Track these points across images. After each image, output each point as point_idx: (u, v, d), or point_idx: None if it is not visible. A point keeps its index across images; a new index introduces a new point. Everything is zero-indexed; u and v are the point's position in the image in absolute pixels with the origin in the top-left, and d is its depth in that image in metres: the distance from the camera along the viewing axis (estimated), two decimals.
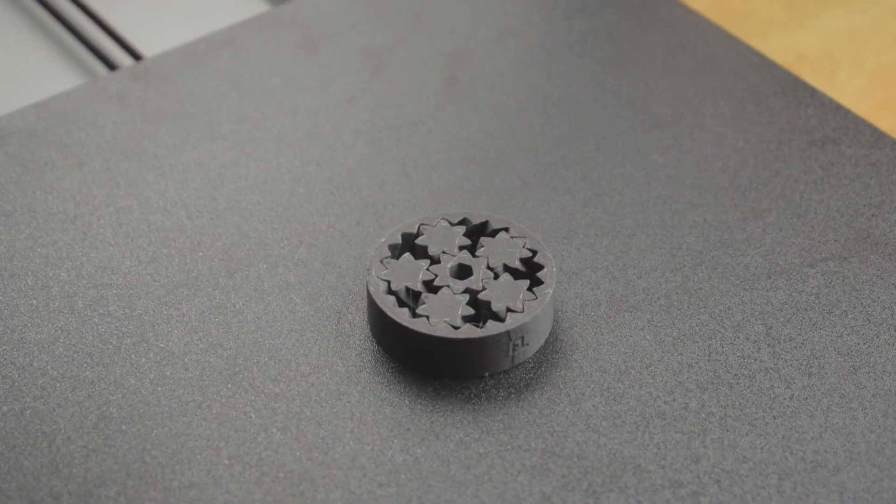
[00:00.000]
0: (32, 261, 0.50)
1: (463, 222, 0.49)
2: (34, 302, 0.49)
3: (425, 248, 0.48)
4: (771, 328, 0.48)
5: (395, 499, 0.43)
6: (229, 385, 0.46)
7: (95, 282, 0.50)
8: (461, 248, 0.48)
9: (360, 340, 0.48)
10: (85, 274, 0.50)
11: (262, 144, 0.56)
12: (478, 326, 0.46)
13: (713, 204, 0.52)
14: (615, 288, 0.49)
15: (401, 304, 0.47)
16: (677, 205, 0.52)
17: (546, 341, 0.47)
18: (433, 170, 0.54)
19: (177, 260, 0.51)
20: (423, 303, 0.46)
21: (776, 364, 0.46)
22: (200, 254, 0.51)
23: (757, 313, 0.48)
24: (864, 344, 0.47)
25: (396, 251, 0.48)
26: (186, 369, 0.47)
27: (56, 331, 0.48)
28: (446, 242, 0.48)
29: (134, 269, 0.50)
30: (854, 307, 0.48)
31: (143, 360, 0.47)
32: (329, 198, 0.53)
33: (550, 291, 0.46)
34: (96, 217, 0.52)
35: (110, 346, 0.47)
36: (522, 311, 0.46)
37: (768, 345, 0.47)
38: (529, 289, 0.47)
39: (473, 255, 0.48)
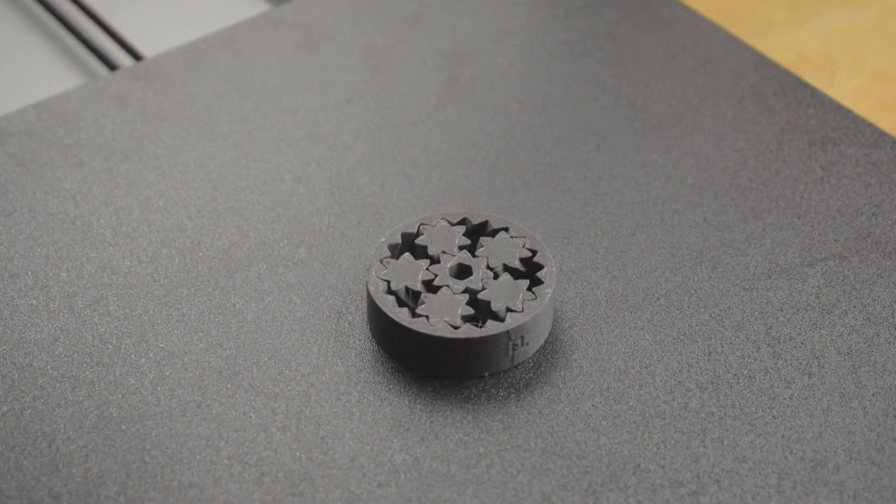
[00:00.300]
0: (32, 261, 0.51)
1: (463, 222, 0.49)
2: (34, 302, 0.49)
3: (425, 247, 0.48)
4: (771, 328, 0.48)
5: (394, 498, 0.43)
6: (229, 385, 0.46)
7: (95, 282, 0.50)
8: (461, 247, 0.48)
9: (360, 340, 0.48)
10: (85, 274, 0.50)
11: (262, 144, 0.56)
12: (477, 326, 0.46)
13: (713, 204, 0.52)
14: (615, 288, 0.49)
15: (400, 303, 0.47)
16: (677, 205, 0.52)
17: (546, 341, 0.47)
18: (433, 170, 0.54)
19: (177, 260, 0.51)
20: (423, 302, 0.46)
21: (776, 364, 0.46)
22: (200, 254, 0.51)
23: (757, 313, 0.48)
24: (865, 343, 0.47)
25: (396, 251, 0.48)
26: (186, 369, 0.47)
27: (56, 331, 0.48)
28: (446, 242, 0.48)
29: (134, 269, 0.50)
30: (854, 306, 0.48)
31: (143, 359, 0.47)
32: (329, 198, 0.53)
33: (550, 291, 0.46)
34: (96, 217, 0.52)
35: (110, 346, 0.47)
36: (522, 311, 0.46)
37: (768, 344, 0.47)
38: (529, 289, 0.47)
39: (473, 255, 0.48)
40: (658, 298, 0.49)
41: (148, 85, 0.58)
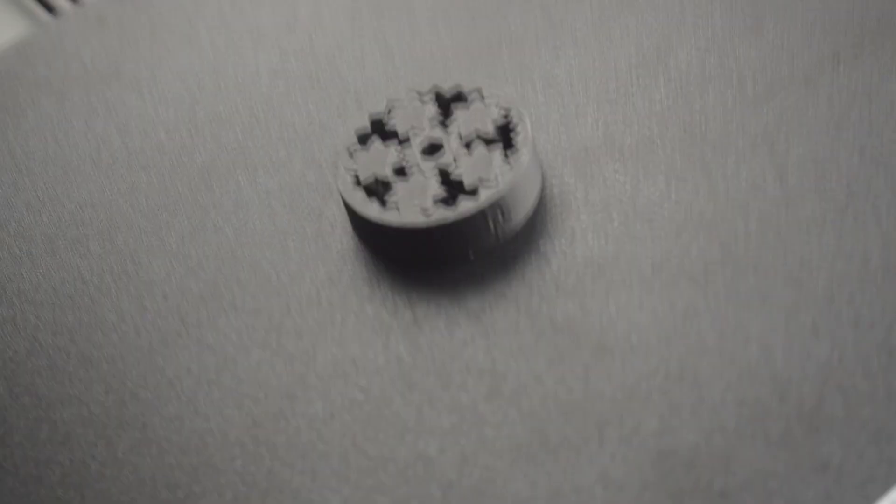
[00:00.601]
0: (15, 209, 0.49)
1: (434, 95, 0.46)
2: (17, 251, 0.48)
3: (394, 129, 0.45)
4: (775, 147, 0.43)
5: (377, 402, 0.40)
6: (210, 306, 0.44)
7: (76, 220, 0.48)
8: (432, 122, 0.45)
9: (341, 239, 0.45)
10: (66, 214, 0.48)
11: (240, 45, 0.53)
12: (451, 208, 0.43)
13: (706, 28, 0.48)
14: (607, 136, 0.45)
15: (371, 195, 0.44)
16: (669, 36, 0.48)
17: (537, 205, 0.44)
18: (416, 43, 0.51)
19: (156, 184, 0.49)
20: (394, 191, 0.43)
21: (783, 189, 0.42)
22: (180, 173, 0.49)
23: (760, 135, 0.44)
24: (883, 146, 0.43)
25: (366, 139, 0.45)
26: (166, 298, 0.45)
27: (38, 278, 0.46)
28: (416, 119, 0.45)
29: (114, 201, 0.48)
30: (869, 106, 0.44)
31: (123, 294, 0.45)
32: (309, 90, 0.50)
33: (525, 156, 0.43)
34: (76, 152, 0.50)
35: (91, 287, 0.46)
36: (496, 184, 0.42)
37: (774, 167, 0.43)
38: (505, 156, 0.43)
39: (445, 128, 0.45)
40: (653, 140, 0.45)
41: (124, 4, 0.56)
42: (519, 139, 0.43)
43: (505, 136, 0.44)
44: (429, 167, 0.43)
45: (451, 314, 0.42)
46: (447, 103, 0.46)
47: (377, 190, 0.44)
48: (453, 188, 0.43)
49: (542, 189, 0.44)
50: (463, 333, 0.41)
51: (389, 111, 0.45)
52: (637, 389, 0.38)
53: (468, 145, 0.44)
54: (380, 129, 0.45)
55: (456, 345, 0.41)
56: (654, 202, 0.43)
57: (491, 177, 0.42)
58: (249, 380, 0.42)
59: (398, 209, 0.43)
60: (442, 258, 0.43)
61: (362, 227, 0.44)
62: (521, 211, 0.43)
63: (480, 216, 0.42)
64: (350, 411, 0.40)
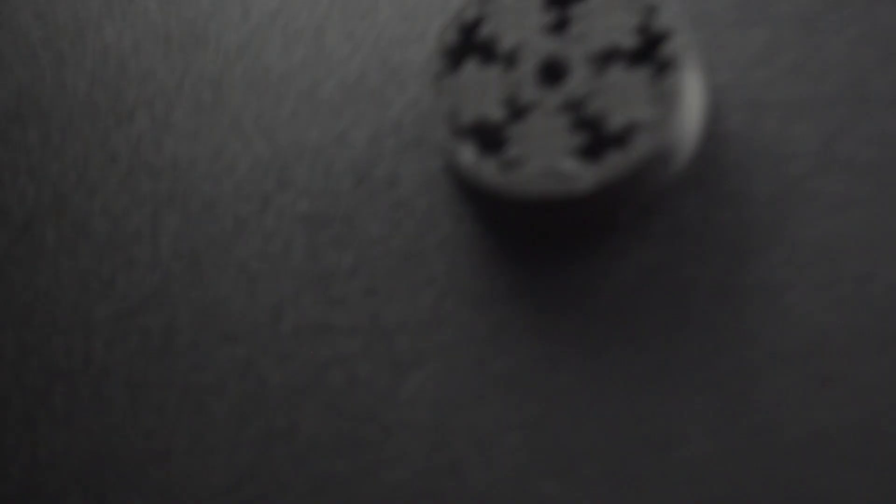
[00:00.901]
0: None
1: None
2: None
3: (494, 42, 0.33)
4: None
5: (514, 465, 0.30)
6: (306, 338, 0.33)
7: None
8: (544, 30, 0.33)
9: (454, 211, 0.33)
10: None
11: None
12: (593, 163, 0.31)
13: None
14: (783, 43, 0.33)
15: (481, 146, 0.32)
16: None
17: (703, 143, 0.32)
18: None
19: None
20: (511, 139, 0.31)
21: None
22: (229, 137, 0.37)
23: None
24: None
25: (458, 58, 0.33)
26: (235, 338, 0.34)
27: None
28: (521, 25, 0.33)
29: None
30: None
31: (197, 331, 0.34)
32: None
33: (687, 79, 0.31)
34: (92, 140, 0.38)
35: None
36: (653, 125, 0.30)
37: None
38: (656, 79, 0.31)
39: (563, 39, 0.32)
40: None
41: None
42: (674, 52, 0.31)
43: (652, 47, 0.32)
44: (552, 101, 0.32)
45: (604, 330, 0.30)
46: None
47: (484, 136, 0.32)
48: (590, 129, 0.31)
49: (709, 118, 0.32)
50: (629, 368, 0.30)
51: (480, 13, 0.33)
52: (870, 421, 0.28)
53: (601, 64, 0.32)
54: (472, 42, 0.33)
55: (619, 395, 0.30)
56: (855, 133, 0.31)
57: (643, 115, 0.31)
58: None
59: (521, 169, 0.31)
60: (585, 229, 0.32)
61: (472, 193, 0.32)
62: (684, 154, 0.32)
63: (634, 173, 0.30)
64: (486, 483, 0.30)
